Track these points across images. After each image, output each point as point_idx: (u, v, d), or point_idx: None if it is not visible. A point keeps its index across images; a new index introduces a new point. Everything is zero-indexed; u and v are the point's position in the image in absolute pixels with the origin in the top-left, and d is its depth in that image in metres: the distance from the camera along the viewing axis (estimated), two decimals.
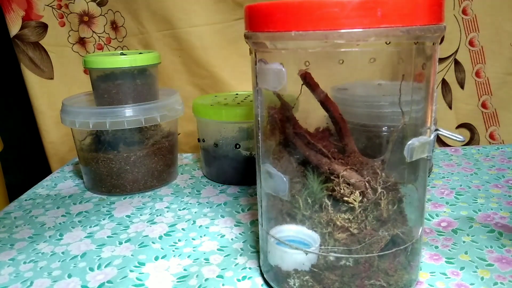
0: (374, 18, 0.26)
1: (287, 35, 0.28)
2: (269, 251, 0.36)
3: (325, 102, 0.36)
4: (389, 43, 0.28)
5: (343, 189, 0.34)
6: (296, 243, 0.35)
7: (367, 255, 0.32)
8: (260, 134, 0.36)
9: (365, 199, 0.34)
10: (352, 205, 0.34)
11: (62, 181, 0.64)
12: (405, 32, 0.26)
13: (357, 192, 0.34)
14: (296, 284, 0.34)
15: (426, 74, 0.32)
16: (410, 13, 0.26)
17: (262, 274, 0.38)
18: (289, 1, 0.27)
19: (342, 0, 0.26)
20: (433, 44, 0.31)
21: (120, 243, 0.45)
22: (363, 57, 0.31)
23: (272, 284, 0.36)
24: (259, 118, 0.35)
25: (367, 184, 0.34)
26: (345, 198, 0.34)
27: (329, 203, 0.35)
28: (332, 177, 0.35)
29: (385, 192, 0.33)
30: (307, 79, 0.35)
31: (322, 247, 0.34)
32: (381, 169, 0.35)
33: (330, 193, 0.35)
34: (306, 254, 0.33)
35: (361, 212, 0.34)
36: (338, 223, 0.34)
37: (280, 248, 0.34)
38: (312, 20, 0.26)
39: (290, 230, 0.36)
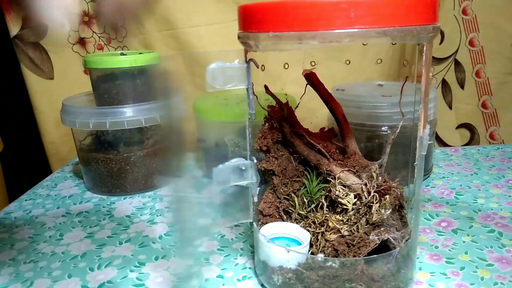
0: (348, 20, 0.26)
1: (265, 36, 0.28)
2: (258, 247, 0.36)
3: (330, 103, 0.36)
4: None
5: (339, 191, 0.33)
6: (288, 241, 0.35)
7: (353, 258, 0.32)
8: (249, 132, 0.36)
9: (359, 202, 0.34)
10: (346, 207, 0.34)
11: (62, 181, 0.64)
12: (382, 33, 0.26)
13: (352, 194, 0.34)
14: (280, 281, 0.34)
15: (418, 74, 0.32)
16: (386, 14, 0.26)
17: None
18: (268, 2, 0.28)
19: (315, 2, 0.26)
20: (418, 44, 0.30)
21: (120, 243, 0.45)
22: (369, 58, 0.31)
23: (260, 278, 0.37)
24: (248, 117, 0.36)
25: (363, 187, 0.33)
26: (340, 200, 0.34)
27: (325, 204, 0.35)
28: (329, 178, 0.35)
29: (377, 196, 0.33)
30: (312, 79, 0.35)
31: (313, 246, 0.34)
32: (378, 172, 0.35)
33: (327, 193, 0.35)
34: (288, 252, 0.33)
35: (355, 214, 0.34)
36: (330, 223, 0.34)
37: (266, 245, 0.34)
38: (286, 21, 0.27)
39: (282, 227, 0.36)
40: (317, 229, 0.34)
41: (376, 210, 0.33)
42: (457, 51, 0.75)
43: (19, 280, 0.39)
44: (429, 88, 0.31)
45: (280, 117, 0.37)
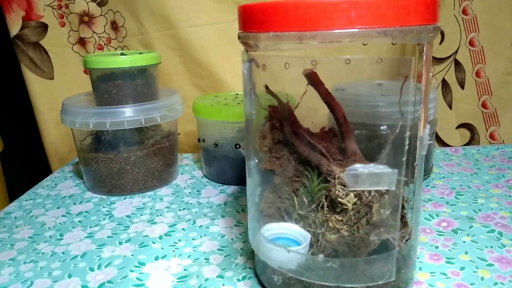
0: (348, 20, 0.26)
1: (265, 36, 0.28)
2: (259, 247, 0.36)
3: (330, 102, 0.36)
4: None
5: (338, 190, 0.33)
6: (288, 241, 0.35)
7: (353, 259, 0.32)
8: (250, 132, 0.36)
9: (359, 202, 0.34)
10: (346, 207, 0.34)
11: (62, 181, 0.64)
12: (382, 33, 0.26)
13: (352, 194, 0.34)
14: (280, 281, 0.34)
15: (418, 74, 0.32)
16: (386, 14, 0.26)
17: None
18: (268, 2, 0.28)
19: (316, 2, 0.26)
20: (418, 44, 0.30)
21: (120, 243, 0.45)
22: (370, 57, 0.31)
23: (260, 278, 0.37)
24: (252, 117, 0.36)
25: None
26: (340, 200, 0.34)
27: (326, 204, 0.35)
28: (329, 178, 0.35)
29: (377, 196, 0.33)
30: (312, 78, 0.35)
31: (314, 247, 0.34)
32: None
33: (327, 193, 0.35)
34: (288, 252, 0.33)
35: (355, 214, 0.34)
36: (330, 224, 0.34)
37: (267, 245, 0.34)
38: (287, 21, 0.27)
39: (282, 228, 0.36)
40: (318, 229, 0.34)
41: (376, 210, 0.33)
42: (457, 51, 0.75)
43: (19, 280, 0.39)
44: (429, 88, 0.31)
45: (281, 117, 0.37)
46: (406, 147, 0.29)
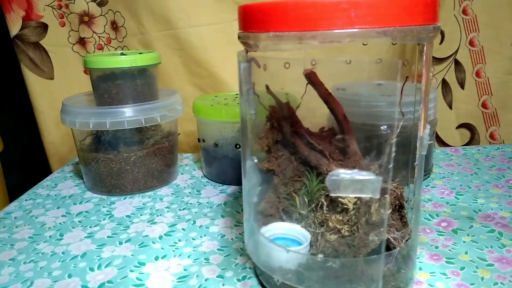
0: (348, 20, 0.26)
1: (265, 36, 0.28)
2: (258, 247, 0.36)
3: (330, 102, 0.36)
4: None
5: None
6: (288, 241, 0.35)
7: (353, 259, 0.32)
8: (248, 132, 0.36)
9: (359, 201, 0.34)
10: (346, 207, 0.34)
11: (62, 181, 0.64)
12: (382, 33, 0.26)
13: None
14: (279, 281, 0.34)
15: (419, 74, 0.32)
16: (386, 14, 0.26)
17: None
18: (268, 2, 0.28)
19: (316, 2, 0.26)
20: (418, 44, 0.31)
21: (120, 243, 0.45)
22: (370, 57, 0.31)
23: (260, 278, 0.37)
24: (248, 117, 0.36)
25: None
26: (340, 199, 0.34)
27: (325, 203, 0.35)
28: None
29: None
30: (312, 79, 0.35)
31: (313, 247, 0.34)
32: (378, 172, 0.35)
33: (327, 193, 0.35)
34: (288, 252, 0.33)
35: (355, 214, 0.34)
36: (330, 224, 0.34)
37: (267, 245, 0.34)
38: (287, 21, 0.27)
39: (281, 228, 0.36)
40: (317, 229, 0.34)
41: (376, 210, 0.33)
42: (457, 51, 0.75)
43: (19, 280, 0.39)
44: (429, 88, 0.31)
45: (281, 117, 0.37)
46: (393, 154, 0.29)
